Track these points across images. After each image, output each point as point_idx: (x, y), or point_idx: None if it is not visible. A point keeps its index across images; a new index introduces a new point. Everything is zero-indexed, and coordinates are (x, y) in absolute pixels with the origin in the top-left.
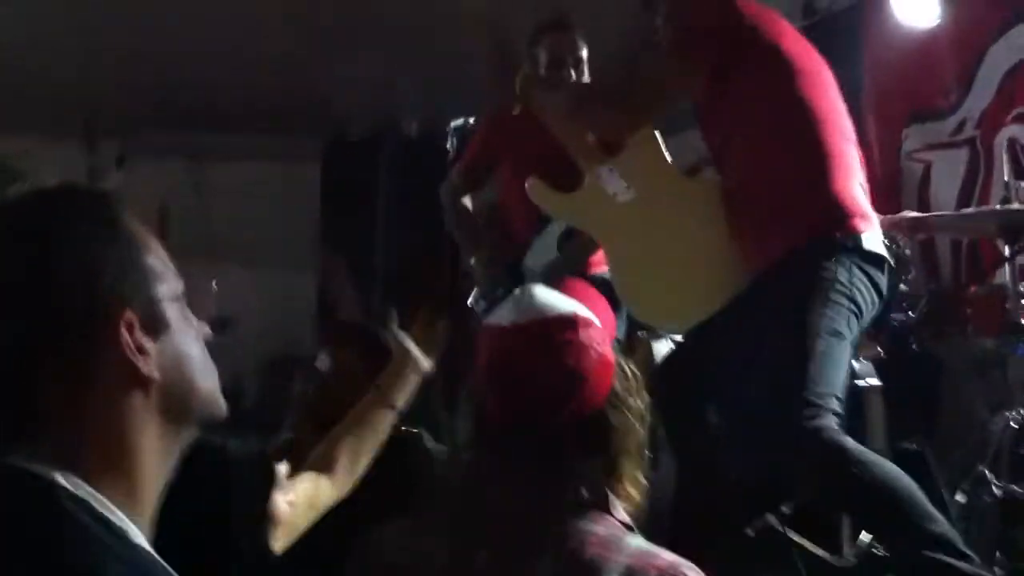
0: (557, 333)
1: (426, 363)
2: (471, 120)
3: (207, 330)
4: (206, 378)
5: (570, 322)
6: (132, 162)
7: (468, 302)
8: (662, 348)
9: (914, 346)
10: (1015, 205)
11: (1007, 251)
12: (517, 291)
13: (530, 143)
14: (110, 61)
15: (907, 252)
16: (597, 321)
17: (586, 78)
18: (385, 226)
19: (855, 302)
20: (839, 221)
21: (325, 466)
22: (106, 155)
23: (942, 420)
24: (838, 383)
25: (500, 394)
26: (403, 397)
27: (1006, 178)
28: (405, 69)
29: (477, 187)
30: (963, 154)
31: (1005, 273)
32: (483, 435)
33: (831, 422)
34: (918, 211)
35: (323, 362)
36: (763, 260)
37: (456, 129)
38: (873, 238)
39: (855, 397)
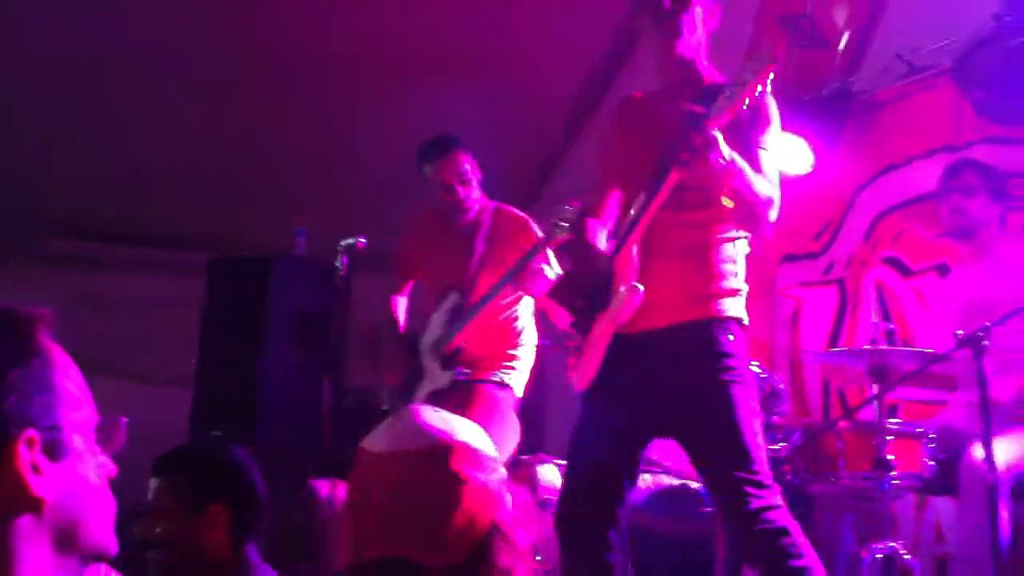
0: (431, 464)
1: None
2: (362, 239)
3: (112, 467)
4: (100, 512)
5: (447, 450)
6: (14, 271)
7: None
8: (546, 472)
9: (788, 477)
10: (883, 346)
11: (875, 389)
12: (398, 414)
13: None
14: None
15: (781, 387)
16: (484, 445)
17: (475, 188)
18: (270, 345)
19: None
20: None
21: None
22: None
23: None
24: None
25: (371, 525)
26: None
27: (874, 319)
28: (296, 189)
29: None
30: (832, 294)
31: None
32: None
33: None
34: (789, 345)
35: (151, 490)
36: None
37: (346, 247)
38: None
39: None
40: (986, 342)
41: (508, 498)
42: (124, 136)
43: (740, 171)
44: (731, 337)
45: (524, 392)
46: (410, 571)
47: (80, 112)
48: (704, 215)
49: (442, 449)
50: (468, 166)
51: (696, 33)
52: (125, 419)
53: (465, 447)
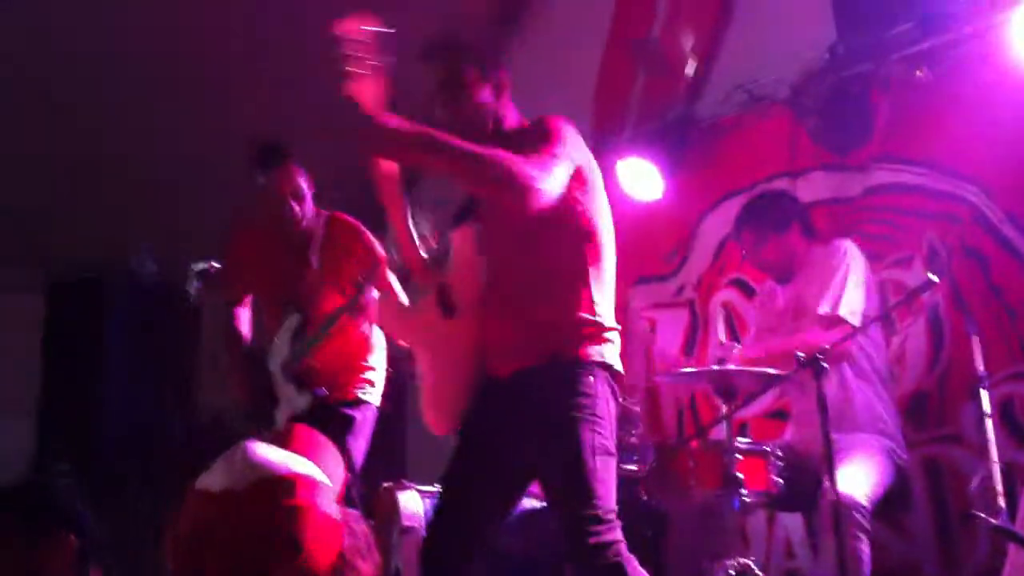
0: (273, 498)
1: None
2: (213, 263)
3: None
4: None
5: (286, 484)
6: None
7: None
8: (408, 499)
9: (643, 497)
10: (730, 366)
11: (724, 409)
12: (230, 451)
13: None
14: None
15: (636, 409)
16: (320, 476)
17: (308, 203)
18: (112, 370)
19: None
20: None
21: None
22: None
23: (668, 568)
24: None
25: (217, 564)
26: None
27: (721, 339)
28: (138, 209)
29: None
30: (684, 314)
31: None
32: None
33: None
34: (645, 366)
35: None
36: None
37: (198, 273)
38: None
39: None
40: (825, 364)
41: (350, 527)
42: None
43: None
44: (591, 378)
45: (388, 423)
46: None
47: None
48: None
49: (281, 482)
50: (302, 180)
51: (477, 97)
52: None
53: (304, 479)
